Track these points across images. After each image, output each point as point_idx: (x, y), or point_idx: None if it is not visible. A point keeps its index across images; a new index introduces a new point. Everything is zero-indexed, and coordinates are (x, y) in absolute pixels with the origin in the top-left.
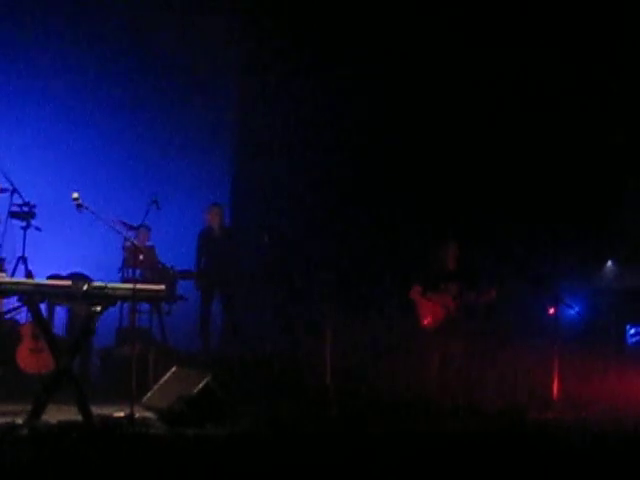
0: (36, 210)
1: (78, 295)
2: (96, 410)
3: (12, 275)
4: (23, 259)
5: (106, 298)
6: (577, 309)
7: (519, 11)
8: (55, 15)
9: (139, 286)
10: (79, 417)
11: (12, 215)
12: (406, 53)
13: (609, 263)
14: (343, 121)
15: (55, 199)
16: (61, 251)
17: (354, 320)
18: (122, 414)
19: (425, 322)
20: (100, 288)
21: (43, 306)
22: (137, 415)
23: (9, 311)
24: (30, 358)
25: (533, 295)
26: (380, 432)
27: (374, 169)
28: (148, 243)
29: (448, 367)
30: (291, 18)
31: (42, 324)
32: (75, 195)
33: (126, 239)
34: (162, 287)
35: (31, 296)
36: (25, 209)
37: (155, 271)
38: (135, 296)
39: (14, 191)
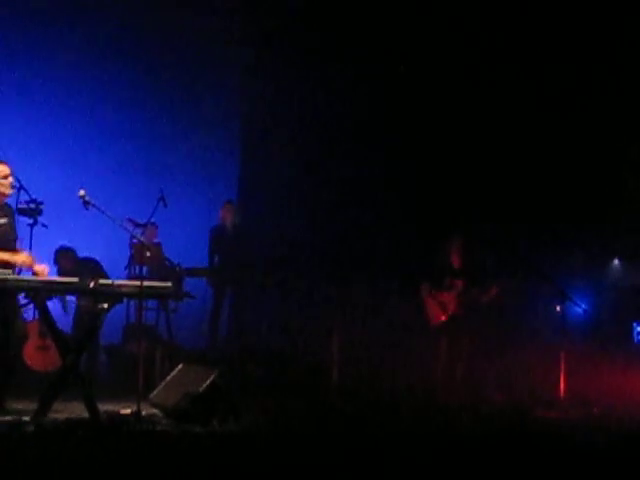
0: (43, 207)
1: (85, 292)
2: (103, 407)
3: (19, 272)
4: None
5: (113, 295)
6: (583, 307)
7: (520, 9)
8: (60, 13)
9: (146, 283)
10: (86, 414)
11: (19, 212)
12: (409, 52)
13: (615, 261)
14: (347, 118)
15: (62, 196)
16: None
17: (361, 318)
18: (129, 411)
19: (434, 320)
20: (107, 285)
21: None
22: (144, 412)
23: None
24: (37, 355)
25: (539, 293)
26: (386, 431)
27: (378, 167)
28: (155, 240)
29: (454, 365)
30: (294, 15)
31: (49, 321)
32: (82, 192)
33: (133, 236)
34: (169, 284)
35: (38, 293)
36: (32, 206)
37: (162, 268)
38: (142, 293)
39: (21, 188)
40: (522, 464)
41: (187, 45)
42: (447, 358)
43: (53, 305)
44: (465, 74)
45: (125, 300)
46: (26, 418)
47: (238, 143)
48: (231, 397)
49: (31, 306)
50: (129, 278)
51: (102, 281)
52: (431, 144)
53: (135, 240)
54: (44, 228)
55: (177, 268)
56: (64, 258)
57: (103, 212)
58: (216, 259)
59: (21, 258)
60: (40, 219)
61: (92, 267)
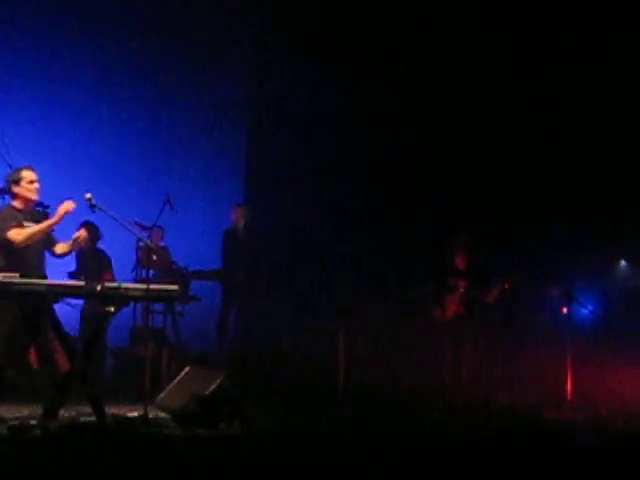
0: (49, 210)
1: (92, 295)
2: (109, 410)
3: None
4: None
5: (120, 298)
6: (590, 308)
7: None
8: (66, 12)
9: (153, 286)
10: (93, 417)
11: None
12: (415, 51)
13: (622, 262)
14: (354, 119)
15: (68, 199)
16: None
17: (367, 319)
18: (136, 414)
19: (437, 320)
20: (114, 288)
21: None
22: (150, 415)
23: None
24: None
25: (546, 294)
26: (393, 431)
27: (386, 168)
28: (162, 243)
29: (459, 366)
30: (302, 15)
31: (55, 325)
32: (88, 195)
33: (140, 239)
34: (175, 287)
35: (44, 296)
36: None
37: (169, 271)
38: (149, 296)
39: None
40: (530, 464)
41: (193, 46)
42: (452, 359)
43: (60, 307)
44: (475, 73)
45: (132, 303)
46: (33, 421)
47: (244, 145)
48: (238, 400)
49: None
50: (136, 281)
51: (109, 284)
52: (437, 143)
53: (142, 243)
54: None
55: (184, 271)
56: (89, 231)
57: (110, 215)
58: (227, 261)
59: (62, 210)
60: None
61: (103, 259)
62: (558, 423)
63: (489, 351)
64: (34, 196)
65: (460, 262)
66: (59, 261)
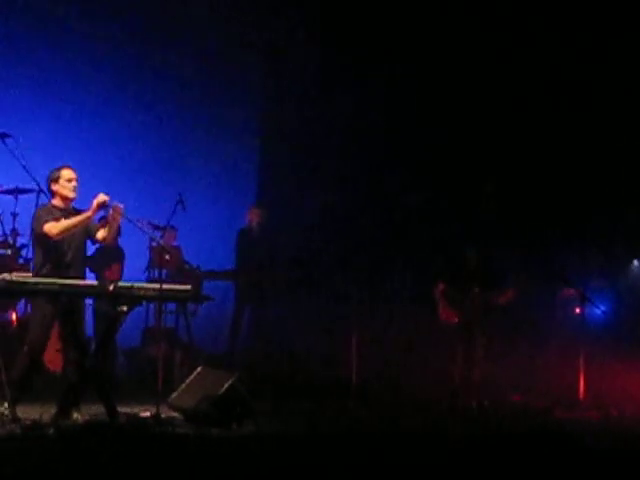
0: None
1: (104, 294)
2: (122, 410)
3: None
4: None
5: (132, 298)
6: (603, 308)
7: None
8: (79, 13)
9: (165, 286)
10: (105, 417)
11: None
12: (442, 51)
13: (635, 262)
14: (367, 120)
15: (81, 199)
16: (88, 251)
17: (380, 319)
18: (148, 414)
19: (446, 320)
20: (127, 288)
21: None
22: (163, 415)
23: None
24: (57, 358)
25: (559, 295)
26: (405, 432)
27: (397, 168)
28: (174, 243)
29: (471, 367)
30: (314, 17)
31: (69, 324)
32: (102, 196)
33: (152, 239)
34: (188, 287)
35: (58, 296)
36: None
37: (181, 271)
38: (161, 296)
39: (40, 191)
40: (543, 464)
41: (207, 47)
42: (463, 360)
43: None
44: (484, 73)
45: (144, 303)
46: (46, 420)
47: (257, 145)
48: (250, 400)
49: None
50: (148, 281)
51: (121, 284)
52: (454, 142)
53: (154, 243)
54: None
55: (196, 271)
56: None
57: (122, 215)
58: (241, 261)
59: (96, 202)
60: None
61: (115, 251)
62: (570, 423)
63: (501, 352)
64: (71, 194)
65: (473, 263)
66: None
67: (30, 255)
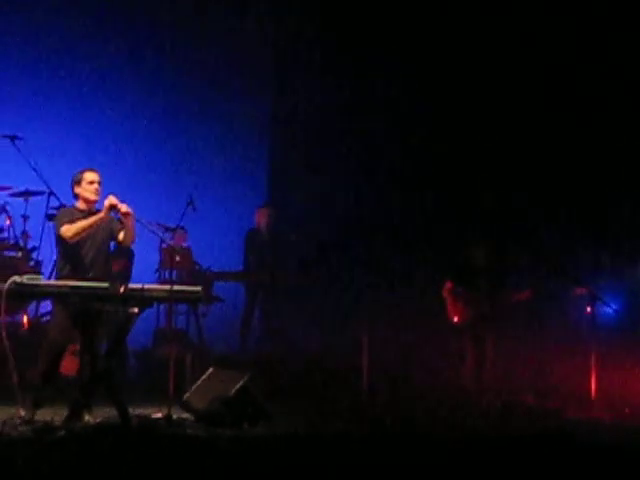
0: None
1: (115, 296)
2: (134, 411)
3: (49, 278)
4: None
5: (143, 299)
6: (614, 307)
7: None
8: (89, 14)
9: (176, 287)
10: (117, 418)
11: (49, 218)
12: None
13: None
14: (376, 119)
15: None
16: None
17: (391, 320)
18: (160, 415)
19: (454, 319)
20: (137, 289)
21: None
22: (175, 416)
23: (47, 314)
24: (69, 361)
25: (570, 294)
26: (416, 432)
27: (408, 166)
28: (185, 244)
29: (481, 366)
30: (323, 17)
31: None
32: (111, 197)
33: (163, 240)
34: (199, 288)
35: (68, 298)
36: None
37: (192, 272)
38: (172, 297)
39: (51, 193)
40: (555, 465)
41: (216, 48)
42: (473, 360)
43: None
44: (494, 72)
45: (155, 304)
46: (58, 422)
47: (267, 146)
48: (261, 401)
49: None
50: (159, 282)
51: (132, 286)
52: (465, 140)
53: (165, 244)
54: None
55: (207, 272)
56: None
57: (132, 216)
58: (250, 262)
59: (107, 203)
60: None
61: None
62: (583, 424)
63: (512, 351)
64: (93, 197)
65: (482, 262)
66: None
67: (40, 257)
